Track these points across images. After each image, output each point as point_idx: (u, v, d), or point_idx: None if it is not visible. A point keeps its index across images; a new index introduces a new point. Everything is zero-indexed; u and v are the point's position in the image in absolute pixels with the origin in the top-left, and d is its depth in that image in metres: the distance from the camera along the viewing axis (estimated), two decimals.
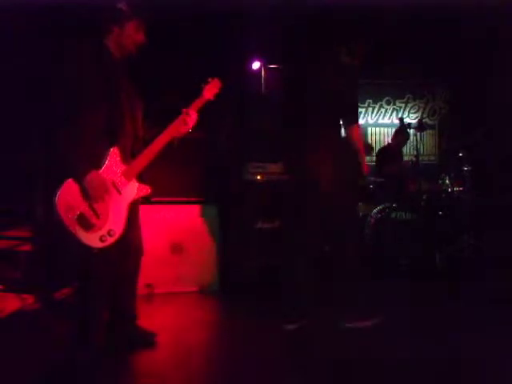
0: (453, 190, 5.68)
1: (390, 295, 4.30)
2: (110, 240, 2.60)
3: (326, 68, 3.47)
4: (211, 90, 3.04)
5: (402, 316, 3.65)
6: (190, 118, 2.93)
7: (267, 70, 6.42)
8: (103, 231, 2.58)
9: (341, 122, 3.46)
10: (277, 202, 4.73)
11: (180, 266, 4.43)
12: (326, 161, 3.32)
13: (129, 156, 2.77)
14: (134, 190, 2.74)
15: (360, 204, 5.59)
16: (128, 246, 2.81)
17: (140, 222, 2.95)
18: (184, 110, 2.95)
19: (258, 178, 4.85)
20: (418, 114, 7.49)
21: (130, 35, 2.77)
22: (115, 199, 2.66)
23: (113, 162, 2.66)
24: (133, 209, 2.79)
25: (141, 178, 2.81)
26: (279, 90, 5.85)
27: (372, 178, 5.75)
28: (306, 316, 3.36)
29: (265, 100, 6.09)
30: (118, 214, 2.65)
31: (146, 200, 4.00)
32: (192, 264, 4.45)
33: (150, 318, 3.39)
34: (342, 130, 3.50)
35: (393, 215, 5.44)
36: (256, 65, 6.44)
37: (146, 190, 2.80)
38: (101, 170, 2.62)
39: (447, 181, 5.74)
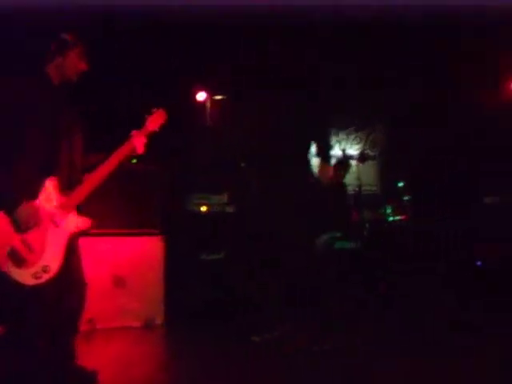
0: (394, 219, 5.86)
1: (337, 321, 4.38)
2: (46, 277, 2.45)
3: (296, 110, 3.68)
4: (156, 120, 2.96)
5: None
6: (137, 146, 2.86)
7: (213, 101, 6.47)
8: (37, 267, 2.44)
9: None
10: (221, 232, 4.73)
11: (123, 299, 4.28)
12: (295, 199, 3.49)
13: (67, 187, 2.64)
14: (73, 222, 2.61)
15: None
16: (70, 282, 2.67)
17: (81, 256, 2.84)
18: (131, 136, 2.87)
19: (202, 209, 4.83)
20: (360, 146, 7.72)
21: (73, 63, 2.72)
22: (52, 233, 2.53)
23: (49, 194, 2.54)
24: (73, 242, 2.66)
25: (81, 210, 2.72)
26: (225, 122, 5.92)
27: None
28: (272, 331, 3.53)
29: (210, 131, 6.13)
30: (54, 248, 2.51)
31: (86, 232, 3.90)
32: (135, 297, 4.32)
33: (91, 355, 3.26)
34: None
35: (337, 245, 5.52)
36: (201, 96, 6.48)
37: (87, 222, 2.66)
38: (35, 202, 2.50)
39: (388, 210, 5.92)
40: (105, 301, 4.20)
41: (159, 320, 4.39)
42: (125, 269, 4.32)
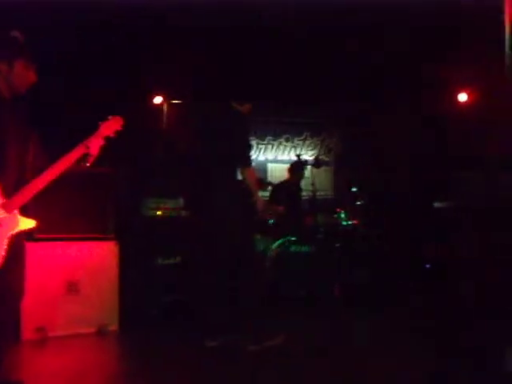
0: (348, 224, 5.95)
1: (292, 321, 4.44)
2: None
3: (218, 112, 3.72)
4: (111, 126, 2.87)
5: (301, 339, 3.81)
6: (91, 149, 2.78)
7: (169, 105, 6.41)
8: None
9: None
10: (177, 237, 4.67)
11: (76, 306, 4.14)
12: (224, 201, 3.51)
13: (12, 190, 2.53)
14: (15, 222, 2.50)
15: (260, 238, 5.66)
16: (4, 288, 2.53)
17: (24, 263, 2.66)
18: (83, 143, 2.80)
19: (158, 213, 4.76)
20: (315, 152, 7.80)
21: (20, 74, 2.58)
22: None
23: None
24: (16, 246, 2.53)
25: (32, 213, 2.62)
26: (181, 126, 5.88)
27: (271, 213, 5.82)
28: (227, 335, 3.51)
29: (165, 135, 6.06)
30: None
31: (35, 237, 3.78)
32: (90, 303, 4.18)
33: (41, 365, 3.14)
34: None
35: (292, 248, 5.56)
36: (158, 100, 6.41)
37: (30, 223, 2.55)
38: None
39: (342, 215, 6.00)
40: (57, 308, 4.05)
41: (114, 326, 4.28)
42: (78, 274, 4.19)
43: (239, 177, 3.74)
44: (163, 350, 3.67)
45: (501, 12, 3.34)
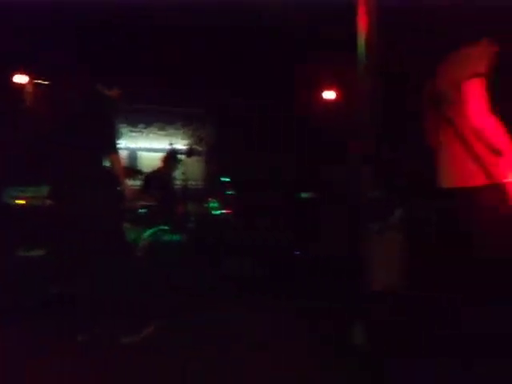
0: (219, 213, 6.03)
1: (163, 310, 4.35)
2: None
3: (85, 96, 3.59)
4: None
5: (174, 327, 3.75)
6: None
7: (34, 84, 6.01)
8: None
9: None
10: (42, 227, 4.38)
11: None
12: (95, 189, 3.40)
13: None
14: None
15: (130, 227, 5.50)
16: None
17: None
18: None
19: (20, 202, 4.44)
20: (187, 141, 7.77)
21: None
22: None
23: None
24: None
25: None
26: (44, 108, 5.53)
27: (142, 202, 5.69)
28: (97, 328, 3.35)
29: (28, 116, 5.65)
30: None
31: None
32: None
33: None
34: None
35: (164, 237, 5.48)
36: (20, 78, 5.97)
37: None
38: None
39: (213, 204, 6.06)
40: None
41: None
42: None
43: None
44: (31, 347, 3.40)
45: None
